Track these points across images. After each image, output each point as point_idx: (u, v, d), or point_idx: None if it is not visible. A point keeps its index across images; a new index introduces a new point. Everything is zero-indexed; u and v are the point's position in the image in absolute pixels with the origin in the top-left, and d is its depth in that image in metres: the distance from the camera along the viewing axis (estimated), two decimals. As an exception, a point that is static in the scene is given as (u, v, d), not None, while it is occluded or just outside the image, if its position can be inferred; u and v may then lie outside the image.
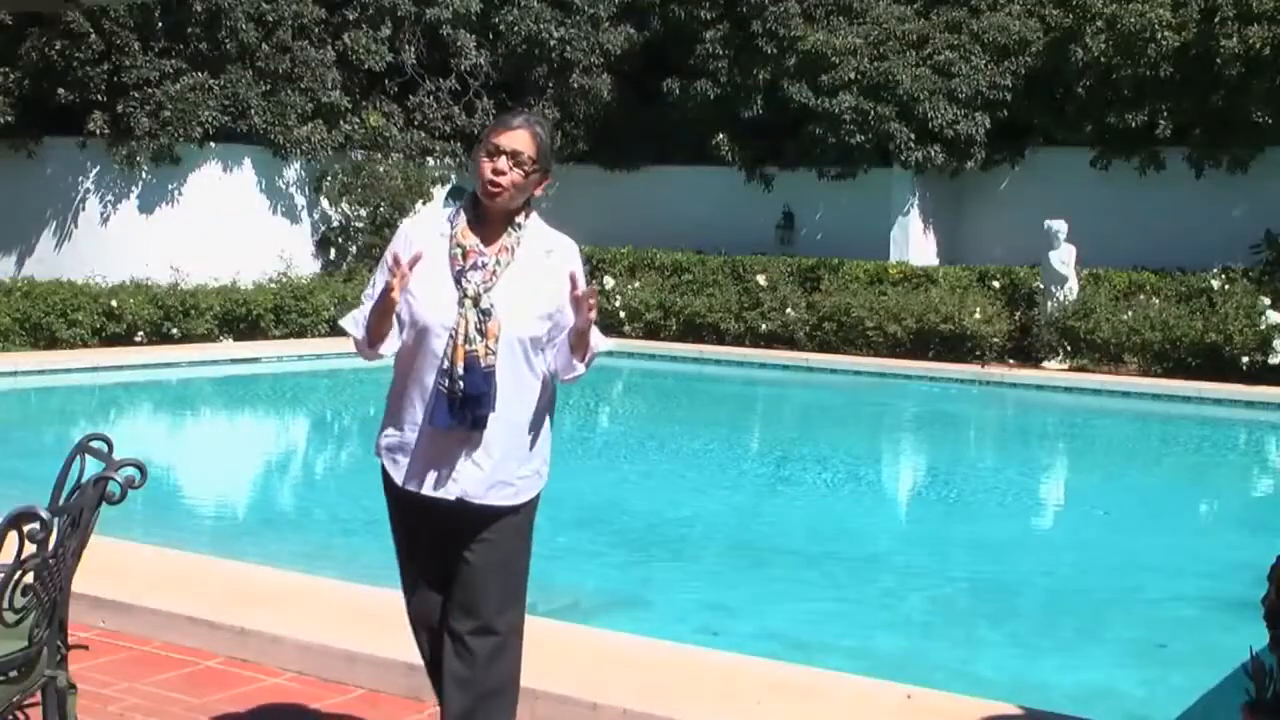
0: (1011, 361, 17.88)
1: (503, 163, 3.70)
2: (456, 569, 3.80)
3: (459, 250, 3.73)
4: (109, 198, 19.56)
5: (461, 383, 3.65)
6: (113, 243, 19.34)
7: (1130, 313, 17.27)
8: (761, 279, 19.73)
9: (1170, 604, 8.00)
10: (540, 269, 3.79)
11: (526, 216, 3.84)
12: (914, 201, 20.56)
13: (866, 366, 17.88)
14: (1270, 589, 3.65)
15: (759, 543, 9.41)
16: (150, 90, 18.88)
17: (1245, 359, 16.15)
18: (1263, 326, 16.11)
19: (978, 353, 17.94)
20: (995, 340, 18.00)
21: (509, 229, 3.79)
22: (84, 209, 19.58)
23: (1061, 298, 17.67)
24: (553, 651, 5.36)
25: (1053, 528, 10.92)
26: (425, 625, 3.92)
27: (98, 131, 18.93)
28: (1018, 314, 18.34)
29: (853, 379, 17.71)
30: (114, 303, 17.76)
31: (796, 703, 4.90)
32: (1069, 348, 17.47)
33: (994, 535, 9.83)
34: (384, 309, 3.65)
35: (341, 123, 20.80)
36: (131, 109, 18.78)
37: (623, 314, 20.26)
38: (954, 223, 21.04)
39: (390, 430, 3.82)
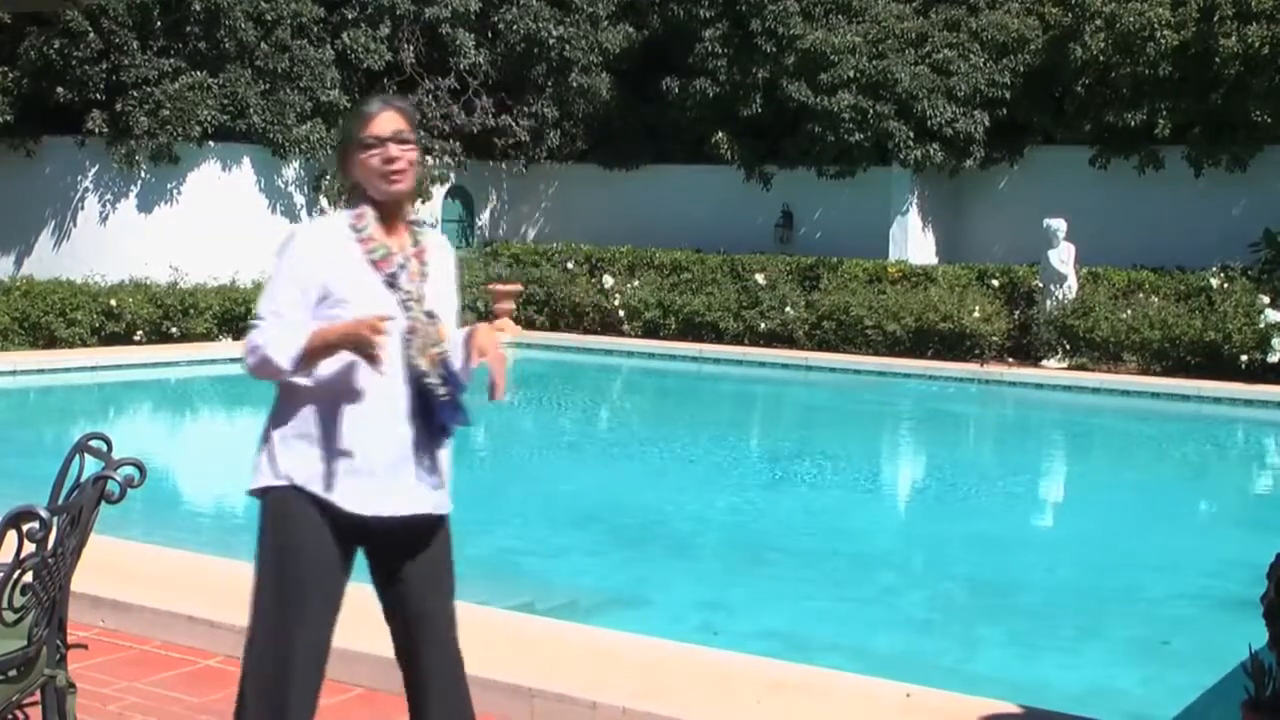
0: (1010, 360, 17.89)
1: (393, 149, 3.51)
2: (412, 583, 3.60)
3: (382, 251, 3.53)
4: (108, 197, 19.56)
5: (447, 382, 3.48)
6: (112, 242, 19.34)
7: (1129, 311, 17.27)
8: (760, 278, 19.73)
9: (1170, 602, 8.00)
10: (443, 268, 3.67)
11: (413, 213, 3.69)
12: (913, 200, 20.56)
13: (865, 365, 17.88)
14: (1269, 587, 3.65)
15: (758, 541, 9.41)
16: (149, 89, 18.88)
17: (1244, 357, 16.16)
18: (1261, 325, 16.11)
19: (977, 351, 17.94)
20: (994, 339, 18.01)
21: (412, 228, 3.62)
22: (83, 208, 19.58)
23: (1060, 296, 17.68)
24: (551, 650, 5.36)
25: (1052, 526, 10.92)
26: (314, 663, 3.55)
27: (97, 130, 18.94)
28: (1017, 313, 18.34)
29: (852, 378, 17.71)
30: (113, 302, 17.76)
31: (796, 701, 4.89)
32: (1068, 346, 17.47)
33: (993, 534, 9.83)
34: (333, 352, 3.38)
35: (340, 121, 20.79)
36: (130, 108, 18.78)
37: (622, 313, 20.26)
38: (953, 221, 21.05)
39: (323, 454, 3.46)
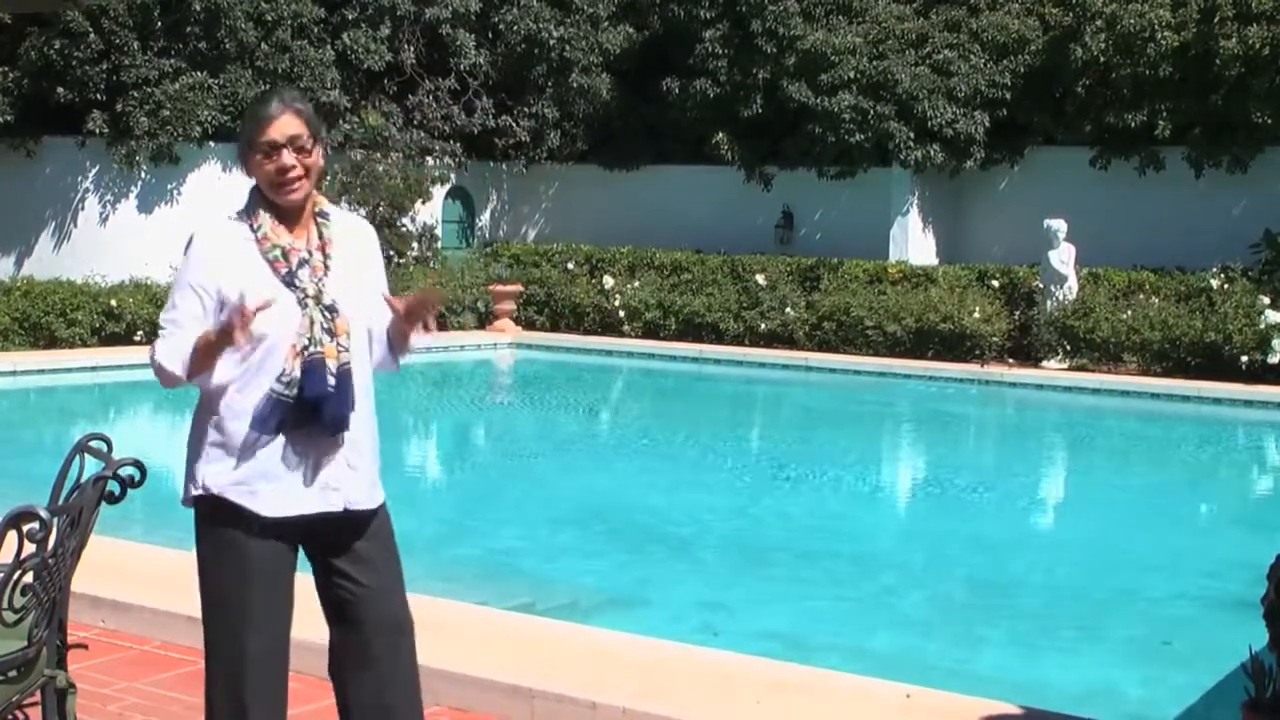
0: (1011, 361, 17.88)
1: (287, 156, 3.42)
2: (349, 582, 3.57)
3: (278, 251, 3.46)
4: (108, 197, 19.56)
5: (300, 388, 3.39)
6: (112, 242, 19.34)
7: (1129, 312, 17.27)
8: (761, 278, 19.73)
9: (1170, 603, 8.00)
10: (356, 255, 3.60)
11: (321, 204, 3.63)
12: (913, 201, 20.56)
13: (866, 366, 17.88)
14: (1269, 588, 3.65)
15: (758, 542, 9.41)
16: (149, 90, 18.89)
17: (1244, 358, 16.15)
18: (1262, 326, 16.10)
19: (977, 352, 17.94)
20: (994, 339, 18.01)
21: (316, 219, 3.56)
22: (83, 208, 19.59)
23: (1061, 297, 17.68)
24: (551, 650, 5.36)
25: (1052, 527, 10.92)
26: (270, 665, 3.53)
27: (97, 131, 18.95)
28: (1017, 313, 18.34)
29: (852, 378, 17.71)
30: (113, 302, 17.77)
31: (796, 701, 4.89)
32: (1068, 347, 17.47)
33: (993, 534, 9.83)
34: (217, 349, 3.34)
35: (341, 122, 20.80)
36: (131, 108, 18.79)
37: (622, 313, 20.26)
38: (953, 222, 21.04)
39: (233, 462, 3.45)
